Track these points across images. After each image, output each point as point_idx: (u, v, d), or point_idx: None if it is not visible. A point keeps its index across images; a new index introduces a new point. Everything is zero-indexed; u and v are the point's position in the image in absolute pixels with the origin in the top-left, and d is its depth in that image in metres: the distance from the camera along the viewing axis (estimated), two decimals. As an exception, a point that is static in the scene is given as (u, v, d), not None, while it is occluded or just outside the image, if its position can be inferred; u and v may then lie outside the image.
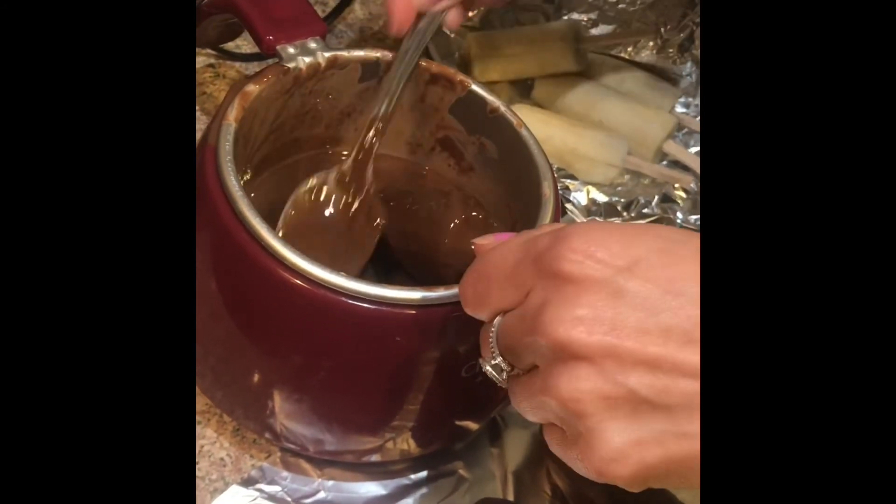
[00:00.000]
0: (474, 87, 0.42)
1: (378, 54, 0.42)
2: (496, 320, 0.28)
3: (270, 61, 0.40)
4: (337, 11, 0.62)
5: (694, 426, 0.24)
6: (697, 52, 0.62)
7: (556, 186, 0.39)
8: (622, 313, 0.24)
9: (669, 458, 0.24)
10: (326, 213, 0.41)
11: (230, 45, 0.56)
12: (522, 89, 0.60)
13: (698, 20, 0.62)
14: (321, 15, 0.61)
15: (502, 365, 0.28)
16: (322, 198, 0.41)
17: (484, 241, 0.29)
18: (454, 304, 0.33)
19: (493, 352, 0.28)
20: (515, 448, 0.43)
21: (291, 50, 0.40)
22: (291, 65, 0.39)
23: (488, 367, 0.28)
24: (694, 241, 0.25)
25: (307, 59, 0.40)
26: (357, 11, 0.63)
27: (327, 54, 0.40)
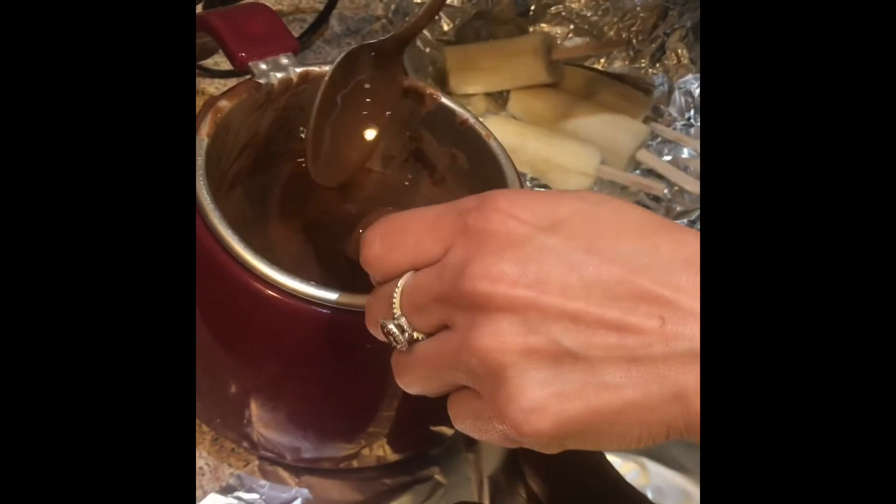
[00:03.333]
0: (444, 100, 0.43)
1: (349, 69, 0.43)
2: (402, 279, 0.27)
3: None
4: (314, 27, 0.63)
5: (614, 377, 0.24)
6: (669, 63, 0.63)
7: (523, 195, 0.40)
8: (545, 269, 0.25)
9: (590, 410, 0.24)
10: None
11: (209, 62, 0.57)
12: (498, 101, 0.61)
13: (668, 31, 0.63)
14: (299, 31, 0.62)
15: (404, 325, 0.27)
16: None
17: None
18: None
19: (395, 312, 0.27)
20: (491, 453, 0.44)
21: (263, 66, 0.41)
22: (263, 80, 0.40)
23: (391, 326, 0.27)
24: (610, 203, 0.26)
25: (279, 75, 0.41)
26: (334, 27, 0.65)
27: (299, 69, 0.41)
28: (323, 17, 0.63)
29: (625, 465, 0.46)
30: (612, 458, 0.43)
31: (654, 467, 0.46)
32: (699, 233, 0.25)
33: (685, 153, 0.61)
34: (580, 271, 0.25)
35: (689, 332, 0.24)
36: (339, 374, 0.36)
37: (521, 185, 0.40)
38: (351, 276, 0.43)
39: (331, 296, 0.34)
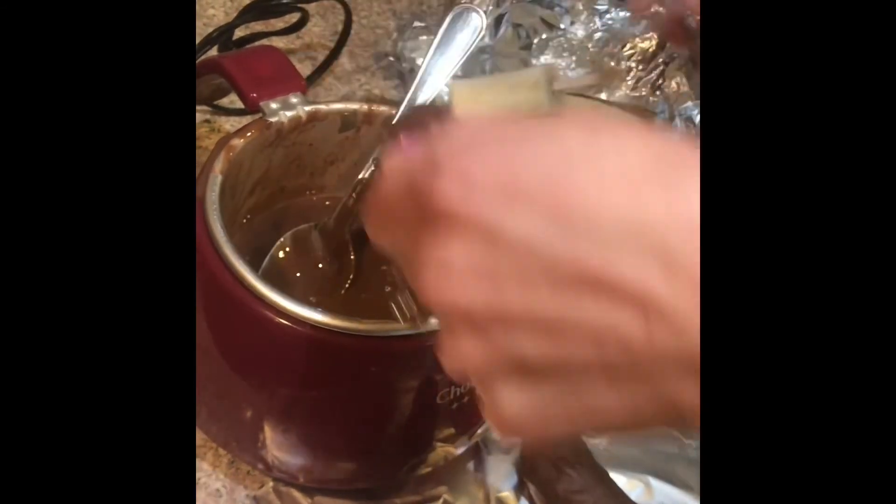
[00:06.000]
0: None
1: (356, 106, 0.45)
2: None
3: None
4: (326, 64, 0.65)
5: (598, 398, 0.21)
6: (669, 91, 0.65)
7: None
8: (502, 259, 0.21)
9: (575, 428, 0.23)
10: (303, 265, 0.44)
11: (224, 101, 0.60)
12: (503, 132, 0.63)
13: (668, 59, 0.65)
14: (311, 68, 0.65)
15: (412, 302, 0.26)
16: (303, 248, 0.44)
17: (388, 161, 0.26)
18: (423, 335, 0.36)
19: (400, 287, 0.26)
20: (497, 473, 0.45)
21: (274, 105, 0.43)
22: (274, 119, 0.43)
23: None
24: (596, 145, 0.21)
25: (289, 113, 0.43)
26: (345, 64, 0.67)
27: (308, 108, 0.44)
28: (333, 55, 0.66)
29: (630, 483, 0.47)
30: (616, 477, 0.45)
31: (659, 485, 0.47)
32: (698, 171, 0.20)
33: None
34: (543, 255, 0.20)
35: (678, 326, 0.20)
36: (347, 397, 0.38)
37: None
38: (359, 303, 0.45)
39: (339, 323, 0.36)
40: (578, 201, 0.20)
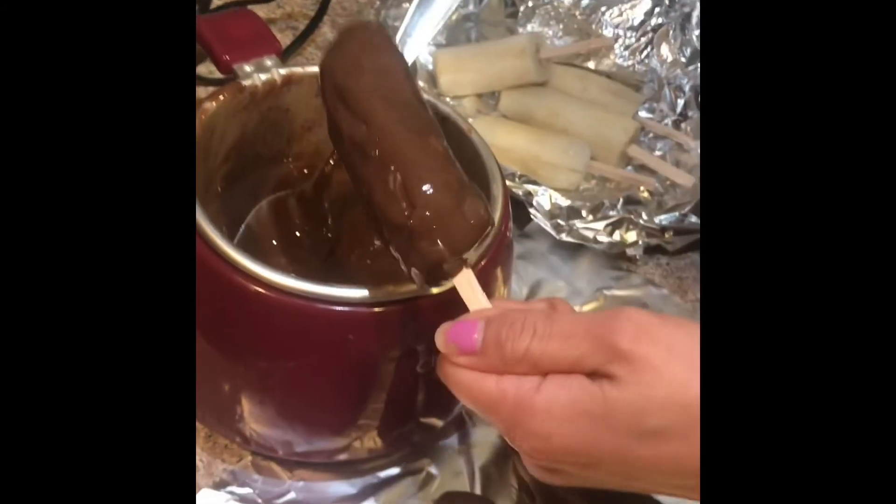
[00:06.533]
0: (425, 97, 0.43)
1: (333, 70, 0.44)
2: None
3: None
4: (307, 34, 0.64)
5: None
6: (658, 58, 0.64)
7: (505, 188, 0.40)
8: (593, 481, 0.32)
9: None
10: (281, 234, 0.43)
11: (203, 70, 0.58)
12: (489, 102, 0.62)
13: (656, 27, 0.64)
14: (291, 38, 0.63)
15: None
16: (280, 216, 0.43)
17: (446, 349, 0.32)
18: (401, 302, 0.35)
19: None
20: (482, 445, 0.45)
21: (248, 68, 0.42)
22: (248, 82, 0.41)
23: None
24: (648, 447, 0.29)
25: (263, 76, 0.42)
26: (326, 34, 0.65)
27: (283, 71, 0.42)
28: (314, 24, 0.64)
29: None
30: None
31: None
32: None
33: (676, 147, 0.61)
34: (621, 479, 0.31)
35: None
36: (325, 367, 0.37)
37: (503, 178, 0.41)
38: (337, 272, 0.43)
39: (313, 288, 0.34)
40: (638, 468, 0.30)
